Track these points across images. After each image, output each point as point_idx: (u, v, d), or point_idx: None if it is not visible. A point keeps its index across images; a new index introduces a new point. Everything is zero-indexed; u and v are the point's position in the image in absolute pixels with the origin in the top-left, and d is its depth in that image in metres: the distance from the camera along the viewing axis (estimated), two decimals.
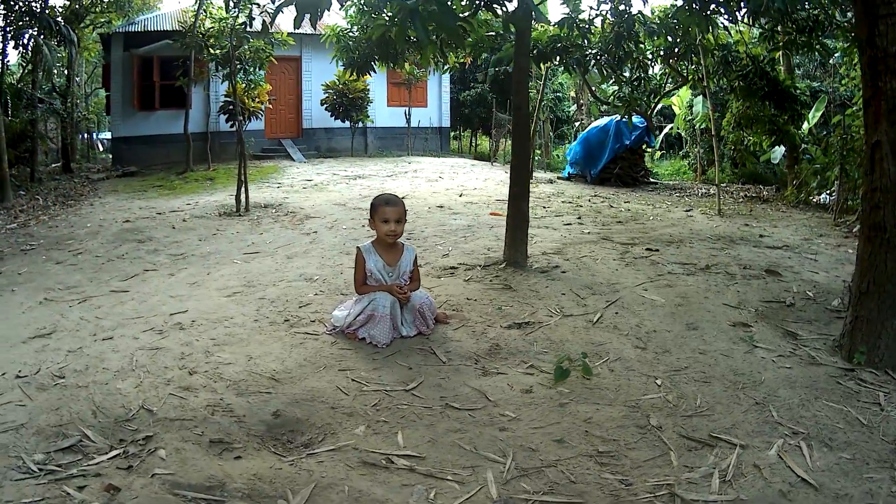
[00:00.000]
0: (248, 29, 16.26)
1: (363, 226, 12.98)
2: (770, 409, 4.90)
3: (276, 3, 6.86)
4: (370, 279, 6.54)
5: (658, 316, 7.12)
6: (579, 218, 13.89)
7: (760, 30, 15.14)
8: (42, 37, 27.16)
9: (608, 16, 11.79)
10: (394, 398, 5.11)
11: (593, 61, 13.20)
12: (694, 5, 8.10)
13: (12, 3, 24.34)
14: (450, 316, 6.96)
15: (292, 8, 6.66)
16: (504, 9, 9.04)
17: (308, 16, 6.60)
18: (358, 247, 6.66)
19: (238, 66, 18.38)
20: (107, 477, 4.02)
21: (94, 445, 4.42)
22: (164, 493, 3.85)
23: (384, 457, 4.26)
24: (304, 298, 7.91)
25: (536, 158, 25.88)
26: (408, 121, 32.55)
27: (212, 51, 23.04)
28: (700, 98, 24.37)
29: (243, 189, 15.72)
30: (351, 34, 11.10)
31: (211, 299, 8.11)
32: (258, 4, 14.87)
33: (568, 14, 10.92)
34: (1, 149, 18.87)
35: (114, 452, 4.32)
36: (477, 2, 8.06)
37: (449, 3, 6.95)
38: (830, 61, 22.85)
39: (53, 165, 33.15)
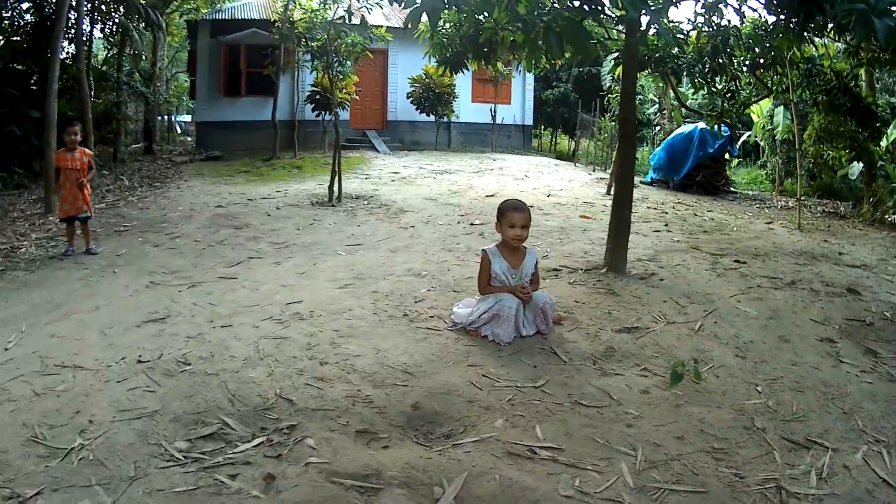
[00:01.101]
0: (346, 22, 16.50)
1: (458, 222, 13.22)
2: (856, 419, 5.21)
3: (402, 4, 7.17)
4: (494, 280, 6.78)
5: (753, 328, 7.34)
6: (666, 225, 14.03)
7: (845, 45, 15.19)
8: (130, 21, 27.60)
9: (704, 28, 11.88)
10: (526, 394, 5.38)
11: (687, 72, 13.29)
12: (791, 24, 8.23)
13: None
14: (563, 318, 7.21)
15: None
16: (607, 17, 9.18)
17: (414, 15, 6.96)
18: (484, 249, 6.92)
19: (334, 59, 18.62)
20: (256, 465, 4.26)
21: (236, 433, 4.67)
22: (323, 482, 4.09)
23: (527, 448, 4.53)
24: (418, 294, 8.13)
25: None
26: (493, 118, 32.46)
27: (308, 43, 23.34)
28: (781, 109, 24.26)
29: (336, 179, 15.96)
30: (444, 30, 11.17)
31: (323, 290, 8.34)
32: None
33: (664, 24, 11.03)
34: (88, 130, 19.27)
35: (257, 441, 4.56)
36: (585, 8, 8.23)
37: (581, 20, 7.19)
38: None
39: (134, 146, 33.54)
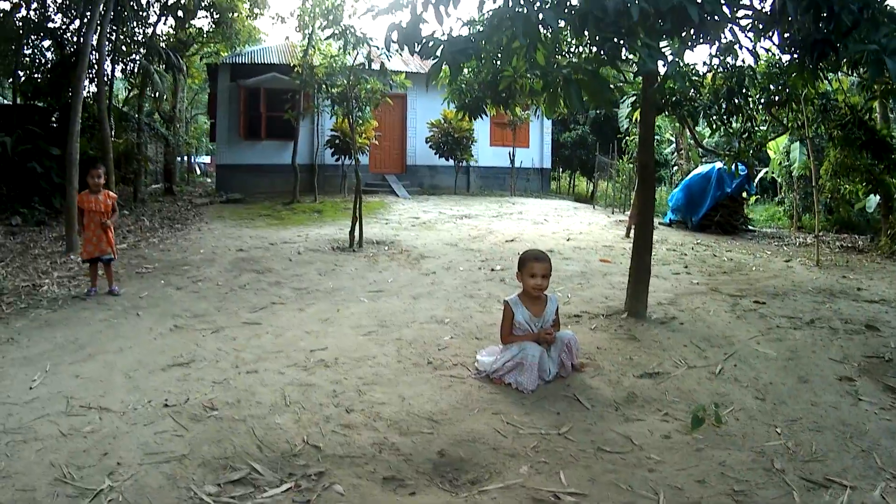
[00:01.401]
0: (366, 69, 16.63)
1: (479, 268, 13.22)
2: (874, 456, 5.29)
3: (427, 60, 7.33)
4: (517, 330, 6.90)
5: (772, 369, 7.41)
6: (686, 267, 14.04)
7: (858, 78, 15.26)
8: (151, 62, 27.96)
9: (719, 69, 11.93)
10: (549, 441, 5.47)
11: (703, 113, 13.33)
12: (805, 62, 8.30)
13: (122, 28, 25.20)
14: (584, 364, 7.27)
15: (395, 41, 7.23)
16: (626, 63, 9.27)
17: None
18: (506, 300, 7.03)
19: (353, 105, 18.77)
20: None
21: (265, 479, 4.78)
22: None
23: (551, 494, 4.62)
24: (441, 341, 8.21)
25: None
26: (512, 161, 32.65)
27: (329, 89, 23.52)
28: (797, 144, 24.27)
29: (357, 224, 15.94)
30: (463, 77, 11.23)
31: (348, 337, 8.42)
32: (377, 47, 15.25)
33: (680, 71, 11.07)
34: (108, 169, 19.45)
35: (285, 486, 4.68)
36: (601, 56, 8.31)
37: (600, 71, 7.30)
38: None
39: (154, 187, 33.89)
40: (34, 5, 26.79)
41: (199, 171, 57.25)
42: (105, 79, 24.08)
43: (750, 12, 8.03)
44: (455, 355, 7.66)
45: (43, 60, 28.04)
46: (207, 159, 57.82)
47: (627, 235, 18.22)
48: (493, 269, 13.10)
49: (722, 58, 11.26)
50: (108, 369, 7.13)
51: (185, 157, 51.89)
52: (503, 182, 33.64)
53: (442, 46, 7.13)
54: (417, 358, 7.57)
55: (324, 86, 24.15)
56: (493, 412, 6.04)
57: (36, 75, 27.71)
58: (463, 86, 11.30)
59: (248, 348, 8.00)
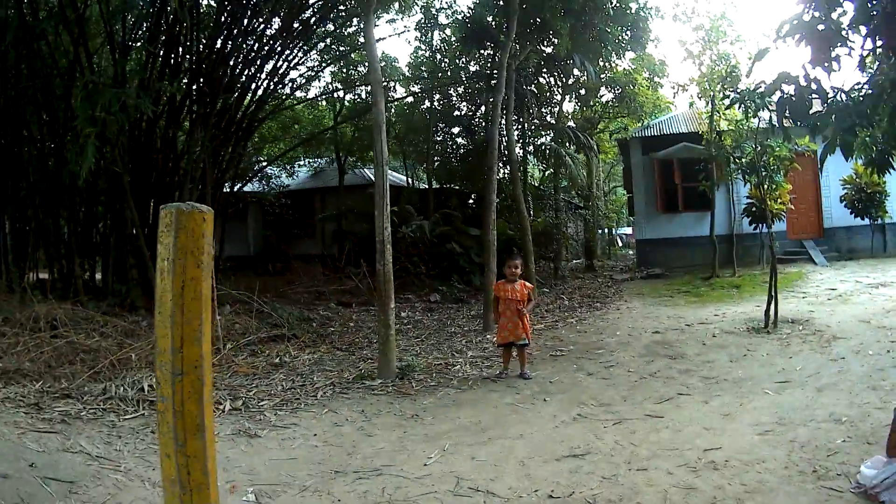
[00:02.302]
0: (770, 129, 16.26)
1: (888, 350, 12.03)
2: None
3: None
4: None
5: None
6: None
7: None
8: (560, 144, 28.78)
9: None
10: None
11: None
12: None
13: (527, 112, 26.15)
14: None
15: None
16: None
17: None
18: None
19: (763, 174, 18.36)
20: None
21: None
22: None
23: None
24: (832, 445, 7.65)
25: None
26: None
27: (736, 160, 23.21)
28: None
29: (772, 302, 15.26)
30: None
31: (744, 437, 8.12)
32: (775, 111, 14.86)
33: None
34: (526, 249, 19.99)
35: None
36: None
37: None
38: None
39: (575, 262, 34.56)
40: (437, 97, 28.40)
41: (620, 243, 57.99)
42: (517, 163, 24.97)
43: None
44: (842, 462, 7.14)
45: (454, 146, 29.65)
46: (629, 230, 58.43)
47: None
48: None
49: None
50: (505, 454, 7.49)
51: (607, 230, 52.61)
52: None
53: (830, 124, 7.01)
54: (805, 464, 7.15)
55: (734, 159, 23.80)
56: None
57: (451, 160, 29.33)
58: (867, 139, 10.80)
59: (645, 443, 7.99)
